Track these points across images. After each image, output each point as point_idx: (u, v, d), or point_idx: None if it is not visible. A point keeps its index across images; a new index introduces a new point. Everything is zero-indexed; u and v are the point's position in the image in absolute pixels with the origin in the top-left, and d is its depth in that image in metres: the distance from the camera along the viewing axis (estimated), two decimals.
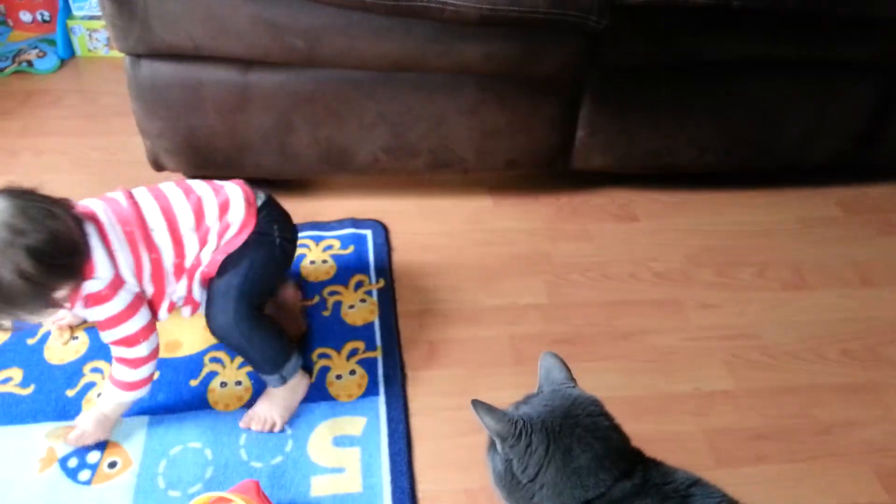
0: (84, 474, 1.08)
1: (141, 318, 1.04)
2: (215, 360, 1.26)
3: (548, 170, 1.65)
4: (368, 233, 1.53)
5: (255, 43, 1.30)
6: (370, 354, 1.28)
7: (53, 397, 1.17)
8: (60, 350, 1.24)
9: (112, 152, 1.69)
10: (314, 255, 1.47)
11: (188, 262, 1.08)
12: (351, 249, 1.49)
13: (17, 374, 1.21)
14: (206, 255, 1.09)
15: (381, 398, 1.22)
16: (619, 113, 1.54)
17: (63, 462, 1.09)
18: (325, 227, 1.53)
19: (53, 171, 1.63)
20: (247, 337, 1.09)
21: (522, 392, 1.23)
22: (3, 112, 1.80)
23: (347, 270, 1.44)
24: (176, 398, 1.19)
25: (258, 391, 1.20)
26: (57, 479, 1.07)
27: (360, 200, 1.62)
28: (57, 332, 1.25)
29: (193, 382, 1.22)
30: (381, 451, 1.14)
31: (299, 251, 1.43)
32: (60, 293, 0.95)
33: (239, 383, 1.22)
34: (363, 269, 1.45)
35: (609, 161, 1.63)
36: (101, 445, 1.11)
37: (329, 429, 1.16)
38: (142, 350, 1.04)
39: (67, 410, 1.15)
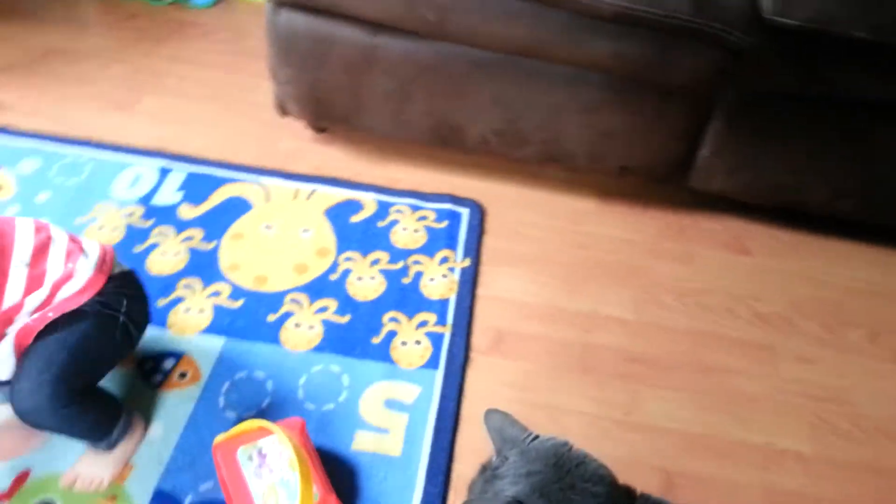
0: (156, 378, 1.18)
1: None
2: (295, 301, 1.33)
3: (661, 183, 1.61)
4: (465, 211, 1.56)
5: (388, 8, 1.35)
6: (439, 329, 1.32)
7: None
8: (163, 263, 1.37)
9: (244, 91, 1.81)
10: (407, 222, 1.51)
11: (4, 304, 0.89)
12: (444, 224, 1.52)
13: None
14: (32, 303, 0.91)
15: (440, 373, 1.25)
16: (750, 137, 1.47)
17: (141, 363, 1.20)
18: (424, 198, 1.58)
19: (188, 98, 1.78)
20: (65, 423, 0.95)
21: (578, 401, 1.23)
22: (157, 38, 1.98)
23: (436, 243, 1.48)
24: (252, 328, 1.27)
25: (329, 339, 1.26)
26: (128, 376, 1.18)
27: (462, 178, 1.65)
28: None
29: (271, 317, 1.30)
30: (428, 423, 1.17)
31: (393, 216, 1.49)
32: None
33: (312, 327, 1.29)
34: (452, 245, 1.48)
35: (730, 186, 1.56)
36: (178, 355, 1.21)
37: (383, 390, 1.21)
38: None
39: (154, 317, 1.27)
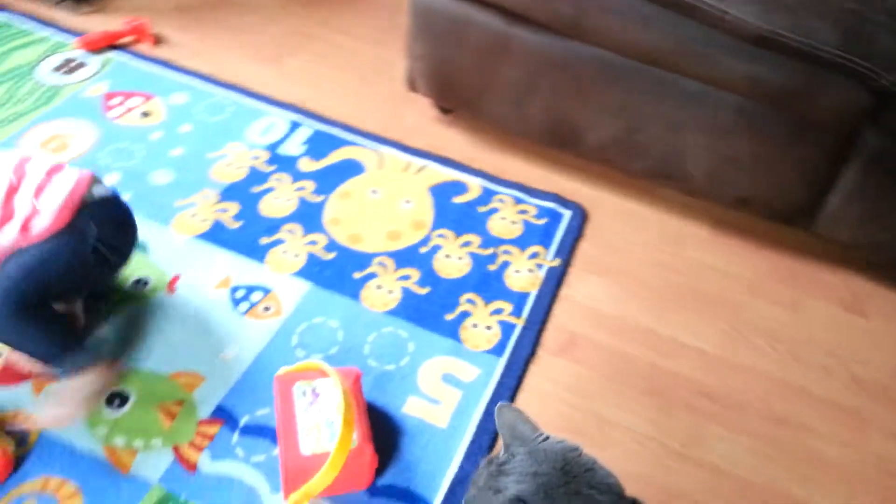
0: (243, 306, 1.29)
1: None
2: (381, 264, 1.40)
3: (781, 223, 1.53)
4: (567, 213, 1.56)
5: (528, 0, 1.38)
6: (513, 319, 1.33)
7: (249, 240, 1.41)
8: (274, 206, 1.48)
9: (383, 64, 1.90)
10: (507, 212, 1.54)
11: None
12: (544, 221, 1.54)
13: (233, 208, 1.46)
14: (5, 237, 1.04)
15: (503, 361, 1.27)
16: (889, 190, 1.37)
17: (234, 290, 1.31)
18: (529, 192, 1.60)
19: (331, 63, 1.90)
20: (15, 334, 1.02)
21: (634, 419, 1.21)
22: (319, 4, 2.12)
23: (531, 238, 1.49)
24: (338, 280, 1.35)
25: (404, 306, 1.32)
26: (221, 300, 1.29)
27: (570, 181, 1.65)
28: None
29: (356, 274, 1.37)
30: (479, 405, 1.20)
31: (495, 204, 1.53)
32: None
33: (391, 292, 1.35)
34: (546, 243, 1.49)
35: (858, 240, 1.46)
36: (266, 290, 1.32)
37: (444, 364, 1.25)
38: None
39: (254, 252, 1.38)
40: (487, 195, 1.58)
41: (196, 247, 1.38)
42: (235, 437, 1.11)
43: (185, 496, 1.03)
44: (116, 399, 1.14)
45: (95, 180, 1.14)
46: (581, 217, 1.56)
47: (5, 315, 0.99)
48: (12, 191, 1.06)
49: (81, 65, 1.76)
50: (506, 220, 1.53)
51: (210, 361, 1.20)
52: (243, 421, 1.13)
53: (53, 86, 1.69)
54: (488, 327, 1.32)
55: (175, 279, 1.32)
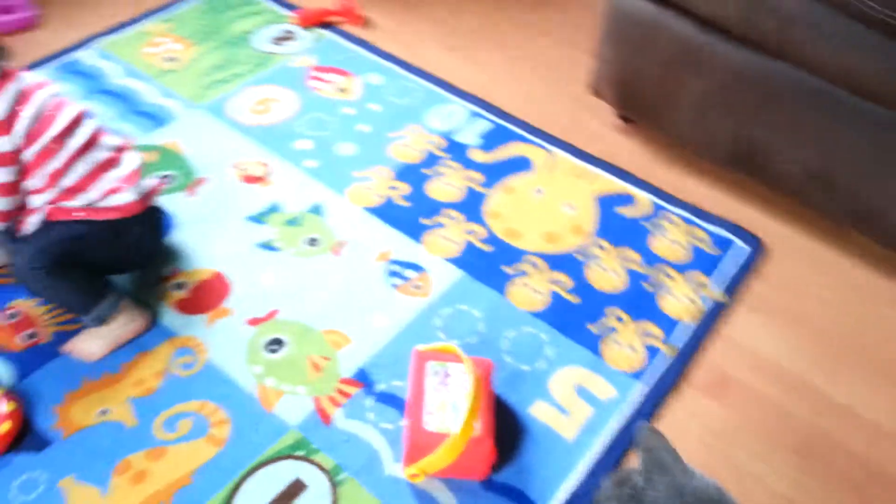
0: (396, 280, 1.37)
1: (6, 174, 1.12)
2: (534, 264, 1.42)
3: None
4: (743, 245, 1.48)
5: (727, 9, 1.31)
6: (662, 346, 1.29)
7: (412, 219, 1.48)
8: (441, 191, 1.54)
9: (569, 65, 1.90)
10: (675, 233, 1.49)
11: (62, 186, 1.15)
12: (714, 250, 1.47)
13: (404, 187, 1.55)
14: (80, 201, 1.16)
15: (642, 387, 1.24)
16: None
17: (391, 263, 1.39)
18: (703, 216, 1.53)
19: (519, 58, 1.93)
20: (40, 289, 1.16)
21: (778, 479, 1.13)
22: (516, 0, 2.16)
23: (696, 264, 1.43)
24: (488, 273, 1.39)
25: (550, 310, 1.33)
26: (378, 271, 1.38)
27: (751, 210, 1.55)
28: None
29: (507, 269, 1.40)
30: (609, 426, 1.18)
31: (663, 222, 1.48)
32: None
33: (539, 293, 1.36)
34: (712, 272, 1.42)
35: None
36: (420, 270, 1.38)
37: (580, 376, 1.24)
38: None
39: (414, 232, 1.45)
40: (657, 212, 1.53)
41: (365, 218, 1.48)
42: (370, 401, 1.18)
43: (316, 444, 1.12)
44: (275, 344, 1.25)
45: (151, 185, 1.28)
46: (758, 252, 1.47)
47: (47, 272, 1.13)
48: (108, 164, 1.20)
49: (294, 37, 1.94)
50: (672, 241, 1.48)
51: (359, 326, 1.28)
52: (379, 388, 1.20)
53: (267, 53, 1.88)
54: (633, 348, 1.29)
55: (342, 244, 1.42)
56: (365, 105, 1.75)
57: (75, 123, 1.17)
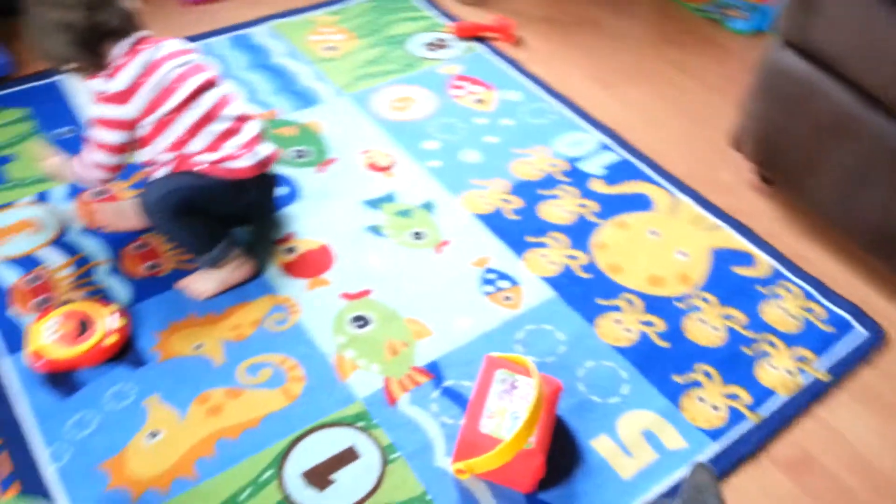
0: (488, 287, 1.40)
1: (117, 137, 1.25)
2: (629, 301, 1.40)
3: None
4: (862, 331, 1.38)
5: (892, 84, 1.25)
6: (747, 413, 1.24)
7: (518, 234, 1.51)
8: (552, 213, 1.56)
9: (712, 111, 1.86)
10: (791, 304, 1.42)
11: (183, 149, 1.26)
12: (829, 328, 1.38)
13: (516, 201, 1.58)
14: (204, 158, 1.26)
15: (715, 448, 1.19)
16: None
17: (486, 271, 1.43)
18: (825, 292, 1.44)
19: (661, 98, 1.91)
20: (164, 226, 1.29)
21: None
22: (675, 42, 2.14)
23: (805, 339, 1.36)
24: (580, 300, 1.39)
25: (637, 350, 1.31)
26: (473, 275, 1.42)
27: (878, 295, 1.45)
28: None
29: (601, 301, 1.39)
30: (672, 477, 1.14)
31: (779, 290, 1.42)
32: (87, 58, 1.23)
33: (629, 331, 1.34)
34: (820, 350, 1.34)
35: None
36: (514, 283, 1.40)
37: (652, 421, 1.21)
38: (103, 158, 1.28)
39: (517, 246, 1.48)
40: (775, 278, 1.47)
41: (472, 223, 1.52)
42: (436, 393, 1.22)
43: (376, 420, 1.17)
44: (361, 320, 1.32)
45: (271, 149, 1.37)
46: (876, 340, 1.37)
47: (173, 211, 1.25)
48: (230, 133, 1.30)
49: (447, 46, 2.04)
50: (786, 310, 1.41)
51: (442, 322, 1.33)
52: (447, 383, 1.23)
53: (418, 57, 1.98)
54: (715, 407, 1.24)
55: (445, 243, 1.47)
56: (498, 119, 1.80)
57: (199, 92, 1.26)
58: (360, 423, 1.17)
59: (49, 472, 1.09)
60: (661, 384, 1.26)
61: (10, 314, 1.30)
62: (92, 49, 1.22)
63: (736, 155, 1.66)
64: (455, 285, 1.40)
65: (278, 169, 1.49)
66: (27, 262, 1.38)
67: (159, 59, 1.24)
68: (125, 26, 1.24)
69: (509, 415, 1.09)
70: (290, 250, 1.44)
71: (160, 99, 1.23)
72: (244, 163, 1.29)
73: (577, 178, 1.65)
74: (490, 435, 1.07)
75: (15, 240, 1.42)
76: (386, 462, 1.13)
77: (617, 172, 1.67)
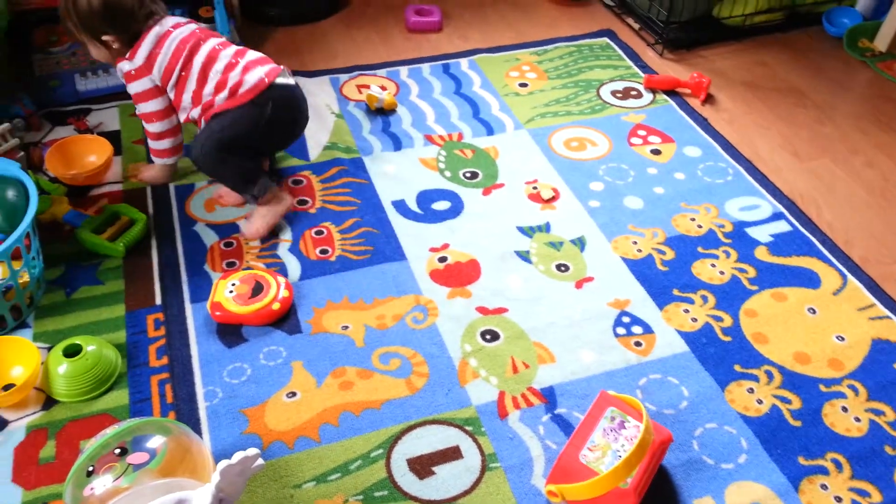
0: (620, 330, 1.44)
1: (156, 104, 1.56)
2: (767, 373, 1.37)
3: None
4: None
5: None
6: None
7: (664, 285, 1.54)
8: (705, 271, 1.57)
9: None
10: None
11: (202, 98, 1.52)
12: None
13: (670, 253, 1.60)
14: (219, 99, 1.51)
15: None
16: None
17: (622, 314, 1.47)
18: None
19: (850, 174, 1.83)
20: (210, 168, 1.56)
21: None
22: (886, 125, 2.03)
23: None
24: (716, 363, 1.38)
25: (764, 422, 1.29)
26: (608, 315, 1.47)
27: None
28: None
29: (738, 368, 1.38)
30: None
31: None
32: (105, 41, 1.51)
33: (761, 402, 1.32)
34: None
35: None
36: (649, 331, 1.43)
37: (765, 496, 1.18)
38: (156, 127, 1.59)
39: (661, 297, 1.50)
40: None
41: (620, 267, 1.58)
42: (546, 417, 1.29)
43: (485, 428, 1.27)
44: (491, 334, 1.43)
45: (283, 73, 1.57)
46: None
47: (212, 154, 1.52)
48: (228, 70, 1.52)
49: (636, 95, 2.10)
50: None
51: (568, 352, 1.40)
52: (559, 410, 1.30)
53: (605, 103, 2.07)
54: (838, 499, 1.19)
55: (588, 279, 1.54)
56: (671, 171, 1.83)
57: (196, 46, 1.52)
58: (470, 427, 1.27)
59: (201, 407, 1.30)
60: (782, 462, 1.23)
61: (205, 268, 1.56)
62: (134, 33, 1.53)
63: None
64: (588, 321, 1.46)
65: (446, 185, 1.65)
66: (226, 229, 1.65)
67: (165, 32, 1.52)
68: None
69: (611, 452, 1.14)
70: (443, 259, 1.58)
71: (172, 64, 1.52)
72: (249, 82, 1.52)
73: (742, 241, 1.64)
74: (587, 466, 1.12)
75: (222, 211, 1.69)
76: (485, 468, 1.21)
77: (786, 243, 1.64)
